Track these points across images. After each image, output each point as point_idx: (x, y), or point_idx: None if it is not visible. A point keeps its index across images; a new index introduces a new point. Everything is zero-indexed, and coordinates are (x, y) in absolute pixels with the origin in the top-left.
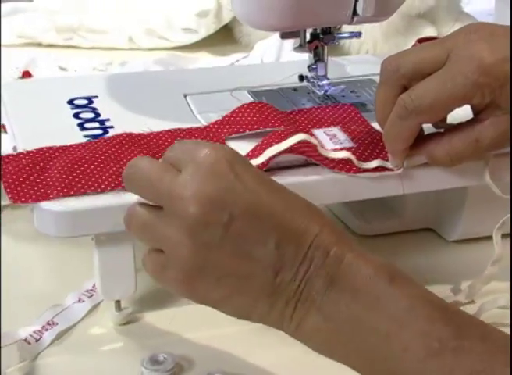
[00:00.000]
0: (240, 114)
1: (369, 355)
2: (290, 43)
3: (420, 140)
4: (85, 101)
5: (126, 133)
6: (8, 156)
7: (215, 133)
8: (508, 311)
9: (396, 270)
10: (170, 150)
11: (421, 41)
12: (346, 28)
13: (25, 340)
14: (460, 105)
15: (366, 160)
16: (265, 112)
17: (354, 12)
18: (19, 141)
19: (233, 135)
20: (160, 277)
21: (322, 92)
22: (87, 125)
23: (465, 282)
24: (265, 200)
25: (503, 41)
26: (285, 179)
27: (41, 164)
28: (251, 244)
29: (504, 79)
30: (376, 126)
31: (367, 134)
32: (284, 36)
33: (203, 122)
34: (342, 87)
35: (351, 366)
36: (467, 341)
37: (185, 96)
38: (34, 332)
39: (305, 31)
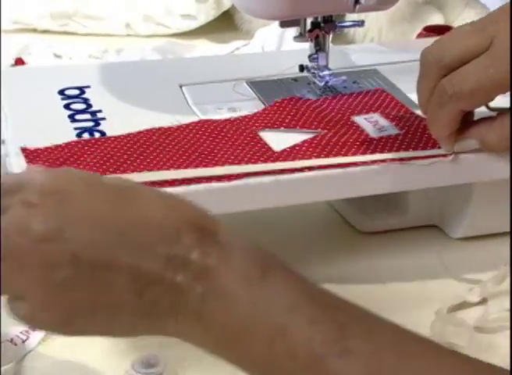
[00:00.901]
0: (273, 111)
1: (259, 363)
2: (292, 31)
3: (471, 124)
4: (77, 92)
5: (155, 128)
6: (34, 152)
7: (246, 125)
8: None
9: (268, 262)
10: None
11: (428, 29)
12: (350, 16)
13: (11, 341)
14: (502, 92)
15: (416, 148)
16: (301, 109)
17: (357, 0)
18: (8, 132)
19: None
20: (33, 324)
21: (323, 83)
22: (77, 116)
23: (472, 280)
24: (105, 220)
25: None
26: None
27: (72, 158)
28: (105, 272)
29: None
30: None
31: (410, 120)
32: (284, 24)
33: (198, 113)
34: (343, 77)
35: (247, 373)
36: (352, 341)
37: (180, 86)
38: (21, 332)
39: (305, 20)
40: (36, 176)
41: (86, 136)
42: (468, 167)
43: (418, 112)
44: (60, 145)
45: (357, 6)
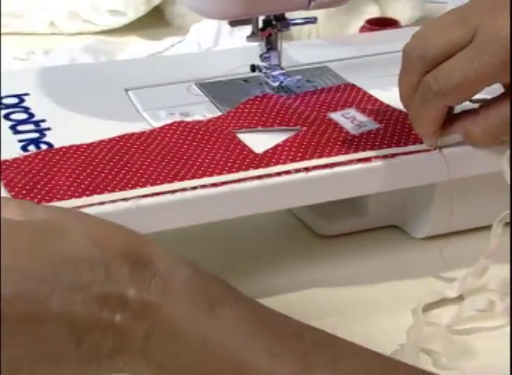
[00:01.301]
0: (247, 110)
1: None
2: (228, 27)
3: (454, 118)
4: (15, 100)
5: (127, 134)
6: (5, 162)
7: (221, 126)
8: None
9: (215, 291)
10: None
11: (371, 22)
12: (300, 13)
13: None
14: (488, 85)
15: (398, 143)
16: (275, 107)
17: None
18: None
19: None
20: None
21: (277, 83)
22: (20, 127)
23: (444, 279)
24: (29, 265)
25: None
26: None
27: (45, 169)
28: (33, 324)
29: None
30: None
31: (387, 113)
32: (234, 24)
33: (150, 120)
34: (298, 77)
35: None
36: (316, 371)
37: (126, 91)
38: None
39: (257, 18)
40: None
41: (32, 149)
42: (460, 161)
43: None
44: (30, 156)
45: (312, 3)
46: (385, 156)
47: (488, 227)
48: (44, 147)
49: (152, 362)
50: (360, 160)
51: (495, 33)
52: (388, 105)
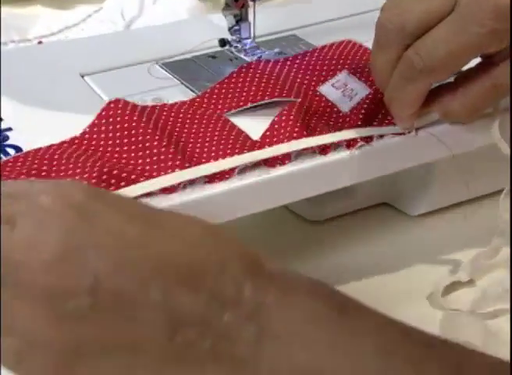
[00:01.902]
0: (232, 84)
1: None
2: None
3: (429, 95)
4: None
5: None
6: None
7: (210, 107)
8: None
9: (339, 297)
10: None
11: None
12: None
13: None
14: (474, 57)
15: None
16: (263, 79)
17: None
18: None
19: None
20: (19, 368)
21: (255, 58)
22: None
23: (451, 260)
24: (137, 243)
25: None
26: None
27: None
28: (130, 304)
29: None
30: None
31: None
32: None
33: None
34: (276, 50)
35: None
36: None
37: (82, 76)
38: None
39: None
40: (47, 186)
41: None
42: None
43: None
44: (28, 153)
45: None
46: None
47: (480, 198)
48: (12, 152)
49: (256, 372)
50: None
51: None
52: None
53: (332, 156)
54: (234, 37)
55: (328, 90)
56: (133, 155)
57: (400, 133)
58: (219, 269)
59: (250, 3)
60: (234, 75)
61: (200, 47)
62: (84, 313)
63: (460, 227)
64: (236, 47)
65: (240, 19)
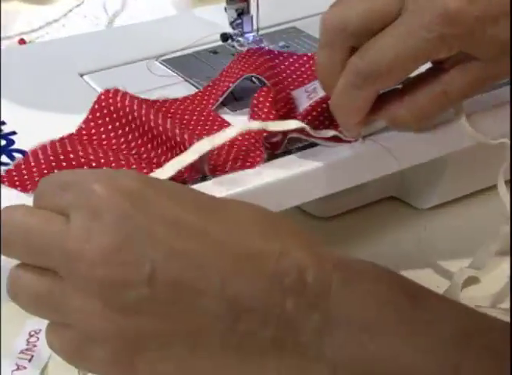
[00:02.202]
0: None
1: None
2: None
3: (376, 101)
4: None
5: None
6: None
7: (203, 103)
8: None
9: (412, 284)
10: (42, 189)
11: None
12: None
13: None
14: (422, 64)
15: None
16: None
17: None
18: None
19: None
20: (79, 360)
21: None
22: None
23: (456, 250)
24: (194, 231)
25: None
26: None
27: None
28: (189, 292)
29: (474, 23)
30: None
31: None
32: None
33: None
34: (281, 44)
35: None
36: None
37: (81, 75)
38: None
39: None
40: (99, 175)
41: (4, 159)
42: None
43: None
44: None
45: None
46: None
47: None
48: (18, 156)
49: (321, 362)
50: None
51: (429, 2)
52: None
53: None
54: (236, 31)
55: (300, 94)
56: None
57: (348, 141)
58: (280, 256)
59: None
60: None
61: (200, 42)
62: (143, 304)
63: (470, 218)
64: (238, 41)
65: (242, 12)
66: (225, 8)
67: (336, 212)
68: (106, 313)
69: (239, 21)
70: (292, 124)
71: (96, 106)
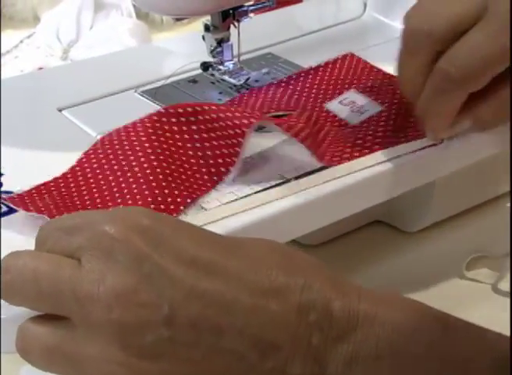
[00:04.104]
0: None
1: None
2: (87, 16)
3: None
4: None
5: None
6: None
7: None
8: None
9: (438, 311)
10: (45, 235)
11: None
12: None
13: None
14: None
15: (399, 137)
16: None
17: None
18: None
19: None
20: None
21: (243, 80)
22: None
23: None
24: (213, 266)
25: None
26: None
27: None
28: (211, 332)
29: None
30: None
31: (389, 88)
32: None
33: None
34: (264, 70)
35: None
36: None
37: (60, 110)
38: None
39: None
40: (109, 215)
41: None
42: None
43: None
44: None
45: None
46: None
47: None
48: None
49: None
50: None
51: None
52: (391, 76)
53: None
54: (216, 60)
55: (335, 107)
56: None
57: (431, 145)
58: (304, 290)
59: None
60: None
61: (178, 71)
62: (163, 346)
63: (460, 238)
64: (219, 69)
65: (222, 40)
66: (203, 37)
67: (323, 239)
68: (124, 359)
69: (219, 49)
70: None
71: (91, 151)
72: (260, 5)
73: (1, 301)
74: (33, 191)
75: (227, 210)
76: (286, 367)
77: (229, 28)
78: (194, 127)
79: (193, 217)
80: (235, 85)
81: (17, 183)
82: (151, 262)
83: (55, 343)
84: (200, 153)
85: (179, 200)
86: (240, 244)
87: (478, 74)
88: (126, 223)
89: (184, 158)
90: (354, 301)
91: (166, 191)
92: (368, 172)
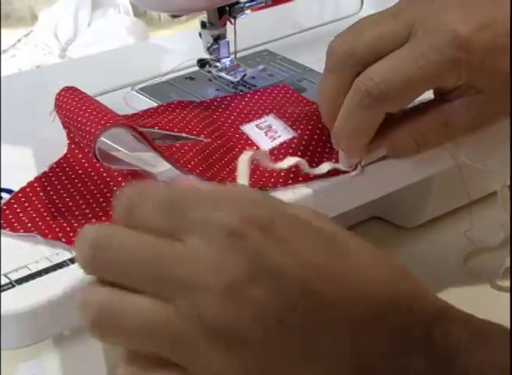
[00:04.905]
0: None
1: None
2: (85, 14)
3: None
4: None
5: None
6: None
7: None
8: None
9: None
10: (137, 204)
11: None
12: None
13: None
14: (431, 88)
15: (320, 160)
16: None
17: None
18: None
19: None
20: None
21: (239, 77)
22: None
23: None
24: (326, 271)
25: (476, 3)
26: None
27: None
28: (316, 344)
29: (483, 52)
30: None
31: (309, 114)
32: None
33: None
34: (260, 67)
35: None
36: None
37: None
38: None
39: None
40: (226, 202)
41: None
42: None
43: None
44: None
45: None
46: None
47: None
48: (5, 196)
49: None
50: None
51: (440, 26)
52: (314, 103)
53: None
54: (212, 57)
55: (250, 129)
56: None
57: (345, 172)
58: (410, 304)
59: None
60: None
61: (175, 68)
62: (271, 340)
63: (457, 234)
64: (215, 66)
65: (219, 37)
66: (200, 34)
67: None
68: (230, 353)
69: (215, 46)
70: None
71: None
72: (256, 2)
73: (1, 298)
74: (13, 201)
75: None
76: None
77: (225, 25)
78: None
79: None
80: (232, 82)
81: (14, 182)
82: (268, 257)
83: (151, 322)
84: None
85: None
86: (355, 252)
87: (396, 93)
88: (242, 214)
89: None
90: (456, 328)
91: None
92: None
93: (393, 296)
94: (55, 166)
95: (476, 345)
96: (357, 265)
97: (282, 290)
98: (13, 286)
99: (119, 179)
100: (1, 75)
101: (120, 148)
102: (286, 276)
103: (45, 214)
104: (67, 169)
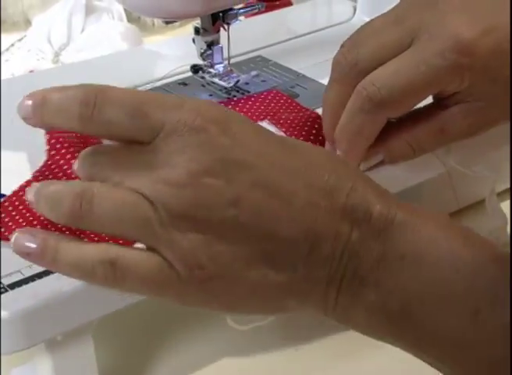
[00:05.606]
0: None
1: (451, 339)
2: (78, 19)
3: None
4: None
5: None
6: None
7: None
8: None
9: (460, 228)
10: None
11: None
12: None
13: None
14: (433, 93)
15: None
16: None
17: None
18: None
19: None
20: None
21: (233, 83)
22: None
23: None
24: (277, 161)
25: (481, 6)
26: None
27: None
28: (270, 218)
29: (487, 57)
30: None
31: (303, 120)
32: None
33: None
34: (253, 73)
35: (421, 355)
36: None
37: None
38: None
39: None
40: (198, 102)
41: None
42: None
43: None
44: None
45: None
46: None
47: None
48: None
49: (377, 293)
50: None
51: (444, 31)
52: (308, 110)
53: None
54: (206, 63)
55: None
56: None
57: None
58: (351, 192)
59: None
60: None
61: (168, 74)
62: (227, 225)
63: None
64: (209, 72)
65: (212, 43)
66: (193, 40)
67: None
68: (190, 234)
69: (209, 52)
70: None
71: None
72: (250, 9)
73: (1, 302)
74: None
75: None
76: (327, 261)
77: (218, 31)
78: None
79: None
80: (225, 88)
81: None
82: (224, 149)
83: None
84: None
85: None
86: (303, 147)
87: (397, 98)
88: (203, 114)
89: None
90: (393, 208)
91: None
92: None
93: (337, 181)
94: (38, 174)
95: (407, 221)
96: (305, 157)
97: (235, 178)
98: (6, 290)
99: None
100: None
101: None
102: (239, 166)
103: (31, 218)
104: (50, 177)
